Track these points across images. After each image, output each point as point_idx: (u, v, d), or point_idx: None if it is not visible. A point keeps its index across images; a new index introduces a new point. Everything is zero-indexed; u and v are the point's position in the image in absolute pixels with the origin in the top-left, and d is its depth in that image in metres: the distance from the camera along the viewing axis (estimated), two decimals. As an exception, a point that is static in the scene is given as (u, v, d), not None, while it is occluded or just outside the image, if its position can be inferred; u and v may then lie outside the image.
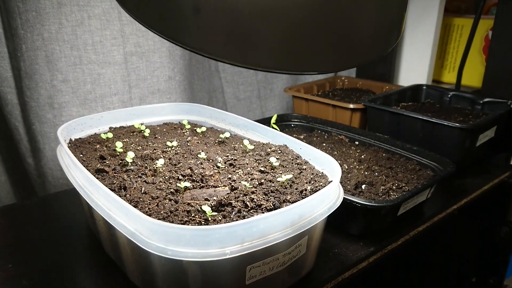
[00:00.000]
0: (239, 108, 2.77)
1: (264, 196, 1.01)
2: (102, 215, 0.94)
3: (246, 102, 2.84)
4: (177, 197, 1.01)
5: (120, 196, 1.04)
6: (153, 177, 1.11)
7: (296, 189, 1.05)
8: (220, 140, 1.42)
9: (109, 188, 1.09)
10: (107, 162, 1.21)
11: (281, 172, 1.15)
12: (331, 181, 1.07)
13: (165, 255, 0.73)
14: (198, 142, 1.38)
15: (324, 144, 1.76)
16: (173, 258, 0.77)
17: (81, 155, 1.30)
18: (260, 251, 0.73)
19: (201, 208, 0.90)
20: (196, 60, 2.25)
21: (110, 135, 1.39)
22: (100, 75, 1.87)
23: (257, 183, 1.07)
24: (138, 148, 1.30)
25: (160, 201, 1.00)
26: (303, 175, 1.15)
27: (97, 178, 1.14)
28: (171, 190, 1.04)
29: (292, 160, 1.25)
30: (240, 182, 1.06)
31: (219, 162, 1.20)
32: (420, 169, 1.52)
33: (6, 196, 1.90)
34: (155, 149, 1.28)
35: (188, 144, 1.35)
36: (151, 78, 2.03)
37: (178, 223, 0.88)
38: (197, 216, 0.91)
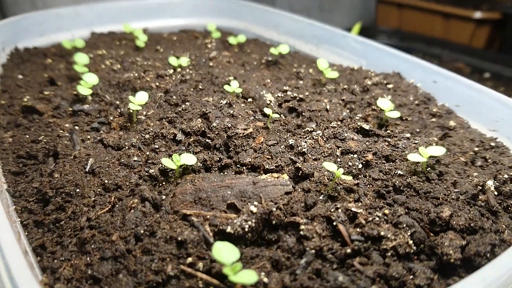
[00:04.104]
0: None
1: (381, 203, 0.40)
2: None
3: (303, 15, 2.17)
4: (162, 191, 0.45)
5: (40, 175, 0.48)
6: (121, 132, 0.54)
7: (454, 184, 0.43)
8: (269, 59, 0.79)
9: (26, 151, 0.53)
10: (51, 93, 0.64)
11: (406, 134, 0.54)
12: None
13: None
14: (229, 61, 0.78)
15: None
16: None
17: (20, 76, 0.75)
18: None
19: (212, 241, 0.32)
20: None
21: (80, 43, 0.81)
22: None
23: (360, 164, 0.45)
24: (116, 68, 0.71)
25: (117, 200, 0.43)
26: (456, 143, 0.53)
27: (17, 126, 0.58)
28: (150, 171, 0.44)
29: (418, 104, 0.63)
30: (318, 160, 0.46)
31: (268, 104, 0.59)
32: None
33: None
34: (145, 71, 0.69)
35: (211, 63, 0.75)
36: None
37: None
38: (200, 267, 0.33)
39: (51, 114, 0.56)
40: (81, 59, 0.67)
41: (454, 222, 0.37)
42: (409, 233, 0.35)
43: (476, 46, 1.30)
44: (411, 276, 0.33)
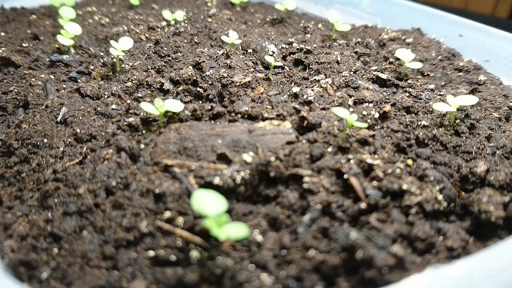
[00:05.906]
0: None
1: (401, 158, 0.35)
2: None
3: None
4: (141, 140, 0.38)
5: (7, 127, 0.43)
6: (102, 82, 0.48)
7: (488, 138, 0.37)
8: (274, 17, 0.70)
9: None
10: (31, 46, 0.58)
11: (430, 85, 0.47)
12: None
13: None
14: (230, 19, 0.71)
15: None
16: None
17: (3, 34, 0.69)
18: None
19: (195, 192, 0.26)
20: None
21: (69, 1, 0.76)
22: None
23: (376, 114, 0.38)
24: (104, 22, 0.64)
25: (89, 151, 0.37)
26: (487, 98, 0.47)
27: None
28: (130, 120, 0.37)
29: (442, 60, 0.56)
30: (326, 109, 0.39)
31: (270, 54, 0.52)
32: None
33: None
34: (136, 25, 0.62)
35: (209, 20, 0.69)
36: None
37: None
38: (181, 223, 0.28)
39: (28, 66, 0.50)
40: (67, 13, 0.61)
41: (492, 178, 0.31)
42: (437, 188, 0.29)
43: (499, 16, 1.21)
44: (441, 238, 0.27)
